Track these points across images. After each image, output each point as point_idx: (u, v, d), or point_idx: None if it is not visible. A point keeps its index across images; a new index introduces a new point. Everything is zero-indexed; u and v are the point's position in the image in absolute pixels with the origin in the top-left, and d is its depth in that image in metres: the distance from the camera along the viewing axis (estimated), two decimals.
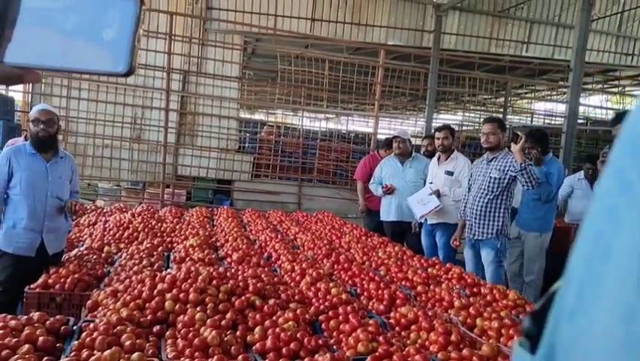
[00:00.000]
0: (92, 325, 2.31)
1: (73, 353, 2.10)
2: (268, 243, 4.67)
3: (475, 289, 3.50)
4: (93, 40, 0.76)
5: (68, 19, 0.76)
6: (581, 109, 11.38)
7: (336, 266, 3.99)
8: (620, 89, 15.44)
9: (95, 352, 2.06)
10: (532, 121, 15.40)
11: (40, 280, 3.19)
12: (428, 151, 6.25)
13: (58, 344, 2.30)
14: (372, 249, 4.62)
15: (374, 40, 11.13)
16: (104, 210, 5.98)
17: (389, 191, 5.65)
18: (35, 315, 2.46)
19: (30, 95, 9.45)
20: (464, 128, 15.43)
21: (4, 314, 2.45)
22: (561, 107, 13.07)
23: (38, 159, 3.61)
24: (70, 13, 0.75)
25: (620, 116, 3.64)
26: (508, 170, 4.22)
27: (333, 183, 10.52)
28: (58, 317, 2.52)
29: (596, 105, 15.82)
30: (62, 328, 2.41)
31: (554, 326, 0.35)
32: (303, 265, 3.70)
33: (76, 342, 2.18)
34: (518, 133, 4.20)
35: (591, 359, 0.32)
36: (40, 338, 2.23)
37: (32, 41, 0.74)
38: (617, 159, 0.33)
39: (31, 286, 3.14)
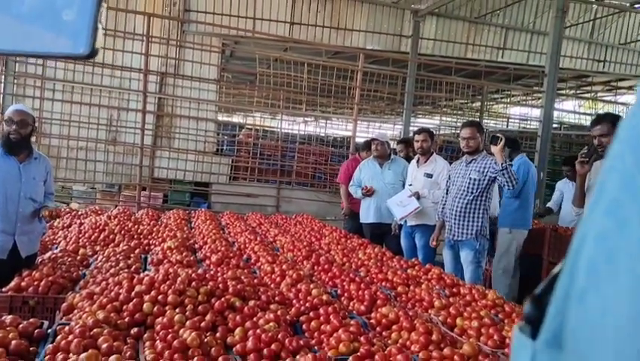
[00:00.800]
0: (67, 328, 2.25)
1: (47, 357, 2.04)
2: (247, 245, 4.63)
3: (454, 290, 3.53)
4: (52, 21, 0.72)
5: (24, 1, 0.73)
6: (555, 114, 11.59)
7: (316, 268, 3.97)
8: (592, 94, 15.79)
9: (71, 355, 2.01)
10: (507, 125, 15.64)
11: (12, 283, 3.10)
12: (404, 156, 6.30)
13: (31, 348, 2.23)
14: (352, 250, 4.62)
15: (353, 44, 11.18)
16: (79, 213, 5.86)
17: (368, 193, 5.66)
18: (8, 318, 2.38)
19: (2, 95, 9.23)
20: (441, 132, 15.59)
21: None
22: (536, 112, 13.32)
23: (11, 160, 3.51)
24: None
25: (600, 118, 3.72)
26: (487, 171, 4.28)
27: (312, 186, 10.51)
28: (31, 320, 2.45)
29: (569, 110, 16.15)
30: (36, 331, 2.34)
31: (559, 309, 0.35)
32: (283, 267, 3.67)
33: (50, 345, 2.12)
34: (498, 135, 4.26)
35: (602, 339, 0.31)
36: (13, 342, 2.16)
37: None
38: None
39: (3, 289, 3.05)
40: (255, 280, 3.31)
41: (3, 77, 9.24)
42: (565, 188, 6.14)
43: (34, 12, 0.73)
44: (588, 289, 0.33)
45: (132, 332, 2.37)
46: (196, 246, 4.52)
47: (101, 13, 0.75)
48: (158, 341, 2.23)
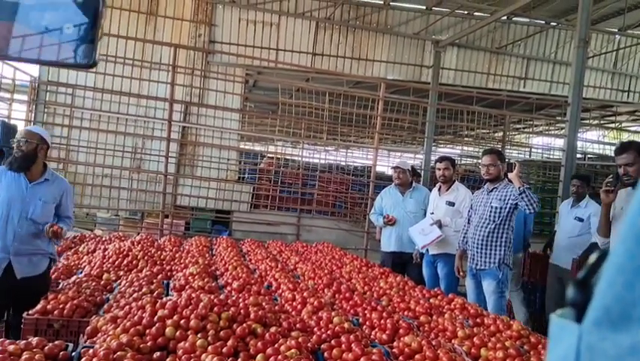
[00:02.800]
0: (91, 350, 2.27)
1: None
2: (268, 272, 4.63)
3: (478, 320, 3.46)
4: (55, 33, 0.79)
5: (31, 14, 0.79)
6: (579, 144, 11.49)
7: (337, 296, 3.95)
8: (617, 124, 15.61)
9: None
10: (530, 155, 15.51)
11: (38, 306, 3.15)
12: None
13: None
14: (374, 279, 4.59)
15: (374, 74, 11.32)
16: (103, 239, 5.95)
17: (390, 222, 5.64)
18: (34, 340, 2.42)
19: (33, 123, 9.50)
20: (463, 161, 15.52)
21: (2, 339, 2.41)
22: (559, 142, 13.19)
23: (20, 179, 3.53)
24: (33, 9, 0.78)
25: (624, 146, 3.68)
26: (508, 199, 4.27)
27: (332, 215, 10.51)
28: (57, 342, 2.47)
29: (593, 140, 15.97)
30: (61, 353, 2.36)
31: (609, 285, 0.35)
32: (304, 295, 3.66)
33: None
34: (512, 162, 4.31)
35: None
36: None
37: None
38: None
39: (30, 312, 3.10)
40: (276, 307, 3.31)
41: (34, 105, 9.54)
42: (563, 208, 5.87)
43: (40, 23, 0.79)
44: None
45: (155, 356, 2.38)
46: (217, 273, 4.54)
47: (101, 30, 0.82)
48: None
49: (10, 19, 0.79)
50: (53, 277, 4.08)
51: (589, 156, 15.38)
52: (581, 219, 5.40)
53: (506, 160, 4.58)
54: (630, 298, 0.34)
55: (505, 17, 10.79)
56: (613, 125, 15.69)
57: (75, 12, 0.81)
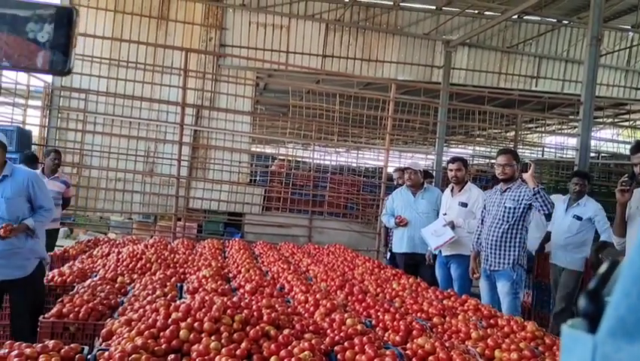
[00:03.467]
0: (106, 353, 2.30)
1: None
2: (280, 274, 4.64)
3: (492, 321, 3.44)
4: (30, 42, 0.83)
5: (4, 22, 0.83)
6: (593, 142, 11.38)
7: (349, 298, 3.94)
8: (631, 122, 15.44)
9: None
10: (542, 155, 15.39)
11: (54, 310, 3.18)
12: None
13: None
14: (386, 281, 4.57)
15: (384, 75, 11.30)
16: (117, 242, 6.00)
17: (402, 223, 5.62)
18: (50, 343, 2.45)
19: (46, 129, 9.62)
20: (474, 161, 15.43)
21: (19, 342, 2.44)
22: (572, 141, 13.08)
23: None
24: (6, 17, 0.82)
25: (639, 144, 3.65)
26: (522, 199, 4.24)
27: (344, 216, 10.50)
28: (72, 345, 2.50)
29: (607, 139, 15.80)
30: (77, 356, 2.39)
31: (624, 296, 0.35)
32: (317, 296, 3.66)
33: None
34: (527, 162, 4.27)
35: None
36: None
37: None
38: None
39: (46, 315, 3.14)
40: (289, 309, 3.31)
41: (48, 111, 9.65)
42: (558, 207, 5.36)
43: (12, 32, 0.83)
44: None
45: (169, 358, 2.39)
46: (230, 275, 4.56)
47: (75, 38, 0.86)
48: None
49: None
50: (68, 280, 4.13)
51: (603, 155, 15.23)
52: (579, 218, 5.29)
53: (521, 160, 4.54)
54: None
55: (516, 16, 10.72)
56: (627, 123, 15.52)
57: (51, 22, 0.85)
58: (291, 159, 12.31)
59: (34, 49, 0.83)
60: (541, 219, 5.50)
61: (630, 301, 0.34)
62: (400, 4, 11.28)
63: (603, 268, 0.39)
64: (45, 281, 3.96)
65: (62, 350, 2.38)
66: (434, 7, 11.41)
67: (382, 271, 5.06)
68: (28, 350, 2.32)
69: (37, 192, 3.68)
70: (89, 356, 2.40)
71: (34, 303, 3.67)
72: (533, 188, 4.12)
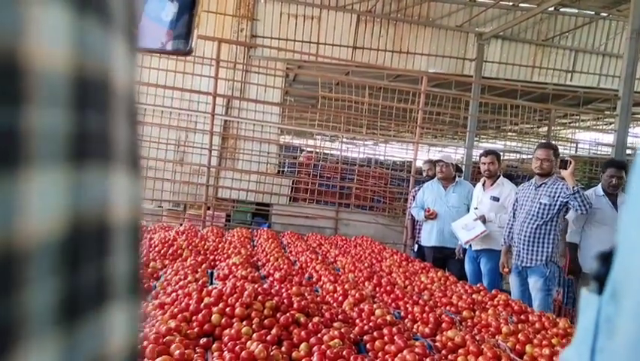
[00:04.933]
0: (141, 334, 2.35)
1: None
2: (309, 264, 4.66)
3: (522, 317, 3.40)
4: (155, 21, 0.82)
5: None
6: (630, 139, 11.06)
7: (377, 289, 3.94)
8: None
9: (146, 360, 2.09)
10: (576, 151, 15.03)
11: None
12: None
13: None
14: (414, 274, 4.56)
15: (415, 67, 11.19)
16: (149, 228, 6.11)
17: (432, 216, 5.59)
18: None
19: None
20: (505, 157, 15.18)
21: None
22: (608, 137, 12.75)
23: None
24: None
25: None
26: (558, 196, 4.15)
27: (371, 209, 10.46)
28: None
29: None
30: None
31: (619, 260, 0.35)
32: (345, 287, 3.67)
33: None
34: (567, 159, 4.17)
35: None
36: None
37: None
38: None
39: None
40: (318, 298, 3.33)
41: None
42: (595, 202, 5.18)
43: (146, 13, 0.82)
44: None
45: (201, 341, 2.44)
46: (259, 263, 4.61)
47: (198, 19, 0.84)
48: (226, 352, 2.28)
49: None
50: None
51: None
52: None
53: (560, 156, 4.39)
54: None
55: (552, 8, 10.46)
56: None
57: (173, 2, 0.84)
58: (319, 150, 12.31)
59: (156, 28, 0.84)
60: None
61: (622, 262, 0.35)
62: None
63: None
64: None
65: None
66: None
67: (410, 264, 5.04)
68: None
69: None
70: None
71: None
72: (573, 187, 4.06)
